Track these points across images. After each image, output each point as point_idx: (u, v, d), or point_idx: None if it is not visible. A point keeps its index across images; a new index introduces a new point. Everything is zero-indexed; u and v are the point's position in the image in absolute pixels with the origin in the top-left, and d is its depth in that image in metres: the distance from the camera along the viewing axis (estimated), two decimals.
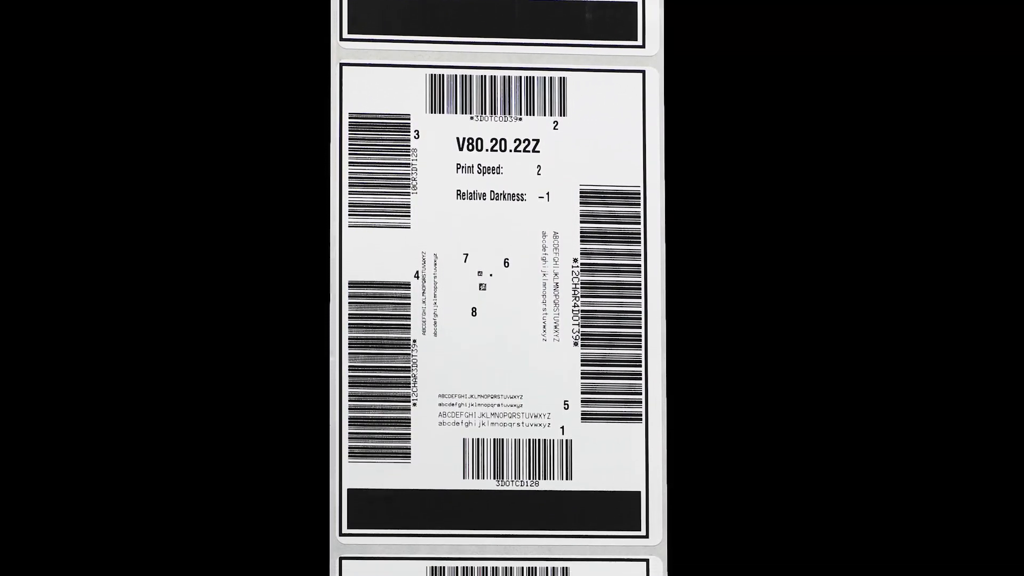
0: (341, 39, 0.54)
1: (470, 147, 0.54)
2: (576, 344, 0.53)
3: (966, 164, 0.56)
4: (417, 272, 0.53)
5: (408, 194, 0.54)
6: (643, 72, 0.54)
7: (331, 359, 0.53)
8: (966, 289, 0.55)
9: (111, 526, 0.52)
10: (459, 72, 0.54)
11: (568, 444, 0.53)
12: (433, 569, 0.52)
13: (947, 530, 0.54)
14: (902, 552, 0.54)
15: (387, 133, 0.54)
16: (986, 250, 0.55)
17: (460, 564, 0.52)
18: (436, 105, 0.54)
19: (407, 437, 0.53)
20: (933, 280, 0.55)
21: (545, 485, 0.52)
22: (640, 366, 0.53)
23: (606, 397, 0.53)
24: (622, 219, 0.54)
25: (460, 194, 0.54)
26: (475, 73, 0.54)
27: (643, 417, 0.53)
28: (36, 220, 0.53)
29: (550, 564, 0.52)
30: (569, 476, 0.53)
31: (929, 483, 0.54)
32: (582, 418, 0.53)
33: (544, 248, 0.54)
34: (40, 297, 0.53)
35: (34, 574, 0.52)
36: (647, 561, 0.52)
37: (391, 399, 0.53)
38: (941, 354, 0.55)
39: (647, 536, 0.53)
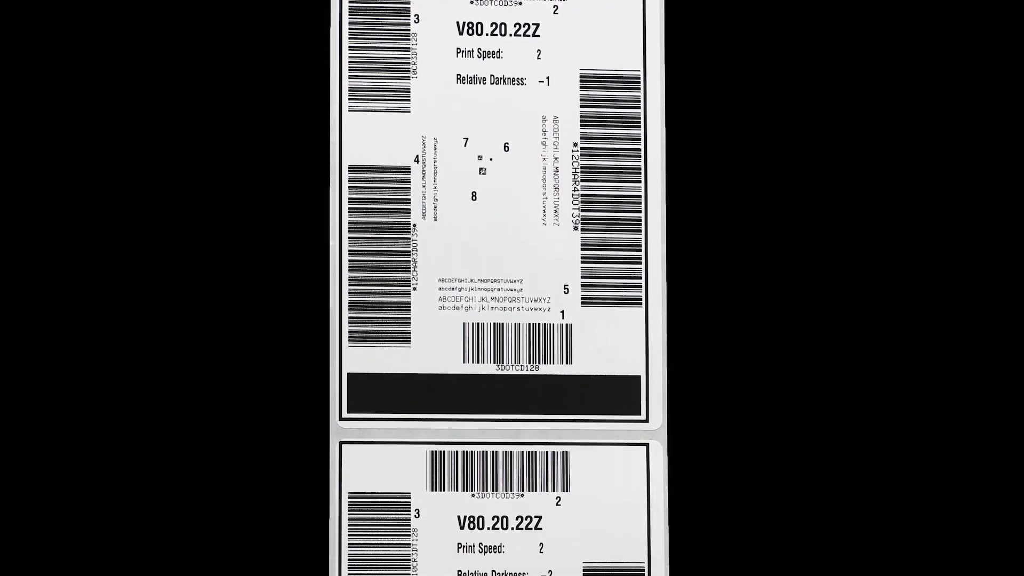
0: None
1: (470, 31, 0.54)
2: (576, 228, 0.53)
3: (966, 161, 0.55)
4: (417, 156, 0.53)
5: (408, 78, 0.53)
6: None
7: (331, 243, 0.52)
8: (967, 276, 0.55)
9: (112, 454, 0.53)
10: None
11: (568, 328, 0.53)
12: (433, 454, 0.52)
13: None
14: (901, 423, 0.54)
15: (387, 17, 0.53)
16: (986, 247, 0.55)
17: (460, 448, 0.52)
18: None
19: (407, 321, 0.52)
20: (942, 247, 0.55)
21: (545, 369, 0.52)
22: (640, 250, 0.53)
23: (606, 281, 0.53)
24: (622, 103, 0.54)
25: (460, 78, 0.54)
26: None
27: (643, 301, 0.53)
28: (35, 220, 0.53)
29: (550, 448, 0.52)
30: (569, 360, 0.53)
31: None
32: (582, 302, 0.53)
33: (544, 132, 0.53)
34: (35, 292, 0.53)
35: (34, 574, 0.52)
36: (647, 445, 0.53)
37: (391, 283, 0.53)
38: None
39: (647, 420, 0.53)
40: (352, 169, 0.53)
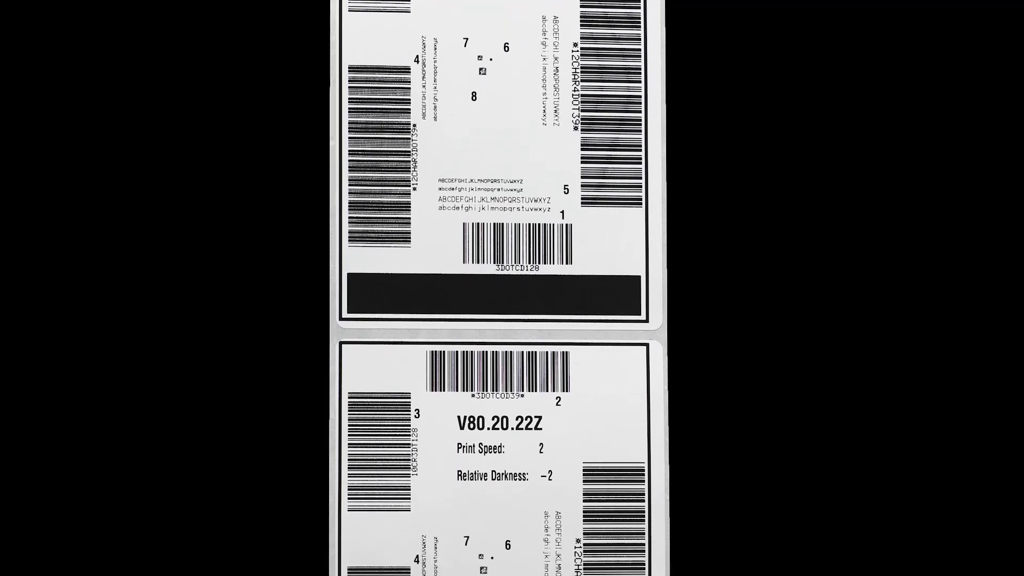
0: None
1: None
2: (576, 128, 0.53)
3: (967, 158, 0.55)
4: (417, 56, 0.53)
5: None
6: None
7: (331, 143, 0.52)
8: (969, 274, 0.55)
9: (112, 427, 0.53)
10: None
11: (568, 228, 0.53)
12: (433, 354, 0.52)
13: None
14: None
15: None
16: (987, 245, 0.55)
17: (460, 348, 0.52)
18: None
19: (407, 221, 0.52)
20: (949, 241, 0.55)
21: (545, 270, 0.52)
22: (640, 150, 0.53)
23: (606, 181, 0.53)
24: (623, 1, 0.53)
25: None
26: None
27: (643, 201, 0.53)
28: (34, 220, 0.53)
29: (550, 349, 0.52)
30: (569, 261, 0.53)
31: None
32: (582, 202, 0.53)
33: (544, 33, 0.53)
34: (34, 292, 0.53)
35: (34, 573, 0.52)
36: (647, 345, 0.53)
37: (391, 183, 0.52)
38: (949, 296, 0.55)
39: (647, 321, 0.53)
40: (352, 69, 0.53)
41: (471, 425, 0.52)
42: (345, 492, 0.51)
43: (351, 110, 0.52)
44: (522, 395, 0.52)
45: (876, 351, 0.54)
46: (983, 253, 0.54)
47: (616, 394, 0.52)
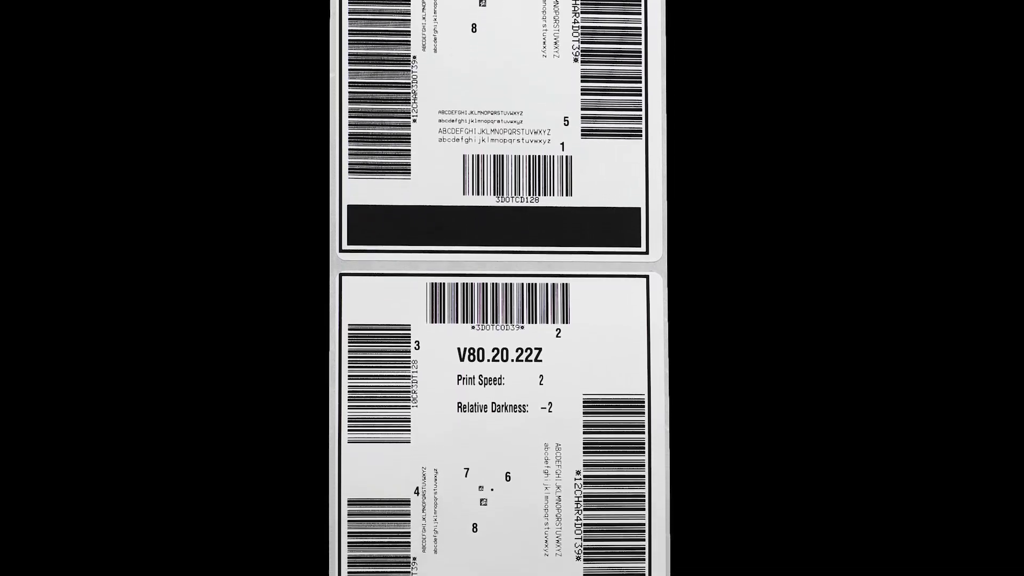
0: None
1: None
2: (576, 60, 0.53)
3: (969, 156, 0.55)
4: None
5: None
6: None
7: (331, 75, 0.52)
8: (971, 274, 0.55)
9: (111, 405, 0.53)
10: None
11: (568, 160, 0.53)
12: (433, 285, 0.52)
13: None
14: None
15: None
16: (988, 244, 0.55)
17: (460, 280, 0.52)
18: None
19: (407, 153, 0.52)
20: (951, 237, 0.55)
21: (545, 201, 0.52)
22: (640, 82, 0.53)
23: (606, 113, 0.53)
24: None
25: None
26: None
27: (643, 133, 0.53)
28: (34, 220, 0.53)
29: (550, 280, 0.52)
30: (569, 192, 0.52)
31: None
32: (582, 134, 0.53)
33: None
34: (33, 293, 0.53)
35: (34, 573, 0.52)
36: (647, 277, 0.52)
37: (391, 115, 0.52)
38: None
39: (647, 252, 0.53)
40: (352, 0, 0.52)
41: (471, 357, 0.52)
42: (345, 424, 0.51)
43: (351, 42, 0.52)
44: (522, 327, 0.52)
45: (876, 280, 0.53)
46: (986, 232, 0.54)
47: (616, 326, 0.52)
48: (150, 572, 0.52)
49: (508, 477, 0.51)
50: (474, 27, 0.52)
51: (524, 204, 0.52)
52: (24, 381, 0.52)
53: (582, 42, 0.53)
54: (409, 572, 0.51)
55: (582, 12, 0.53)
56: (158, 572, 0.52)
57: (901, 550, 0.53)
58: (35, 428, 0.52)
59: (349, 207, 0.52)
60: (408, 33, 0.52)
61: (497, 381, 0.52)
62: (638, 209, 0.52)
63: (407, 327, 0.52)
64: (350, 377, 0.51)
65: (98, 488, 0.52)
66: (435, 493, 0.51)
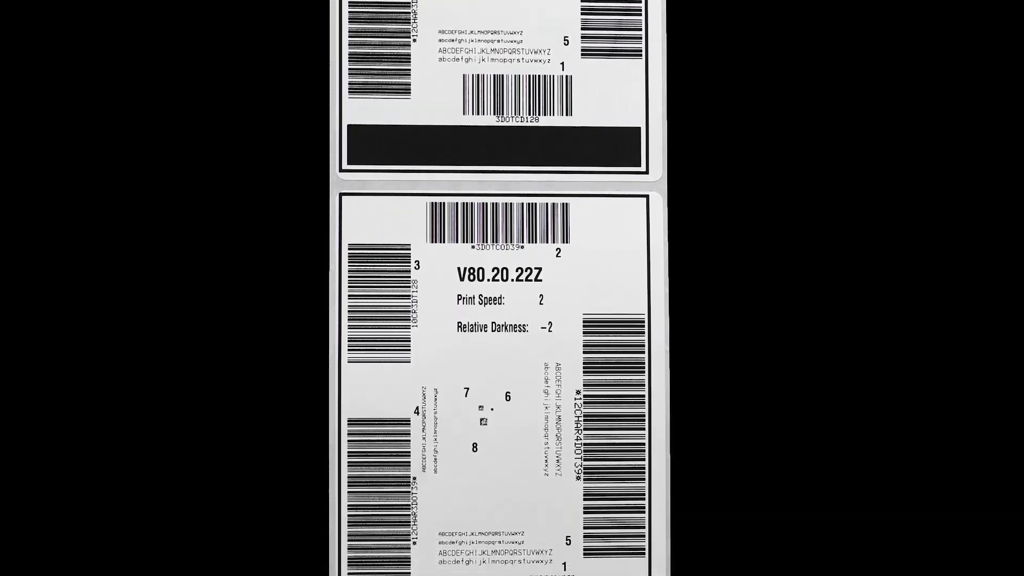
0: None
1: None
2: None
3: (970, 155, 0.54)
4: None
5: None
6: None
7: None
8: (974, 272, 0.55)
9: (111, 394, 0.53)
10: None
11: (568, 80, 0.52)
12: (433, 205, 0.52)
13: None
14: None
15: None
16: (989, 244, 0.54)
17: (460, 200, 0.52)
18: None
19: (407, 73, 0.52)
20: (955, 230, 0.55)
21: (545, 121, 0.52)
22: (640, 1, 0.53)
23: (605, 33, 0.53)
24: None
25: None
26: None
27: (643, 52, 0.53)
28: (33, 220, 0.53)
29: (550, 200, 0.52)
30: (569, 112, 0.52)
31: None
32: (582, 54, 0.53)
33: None
34: (33, 293, 0.52)
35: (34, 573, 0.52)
36: (647, 197, 0.52)
37: (391, 35, 0.52)
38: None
39: (647, 172, 0.52)
40: None
41: (471, 277, 0.52)
42: (345, 344, 0.51)
43: None
44: (522, 247, 0.52)
45: (875, 197, 0.53)
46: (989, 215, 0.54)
47: (616, 246, 0.52)
48: (148, 491, 0.52)
49: (508, 397, 0.51)
50: None
51: (524, 124, 0.52)
52: (19, 373, 0.52)
53: None
54: (409, 492, 0.51)
55: None
56: (156, 492, 0.52)
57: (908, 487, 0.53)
58: (27, 415, 0.52)
59: (349, 127, 0.52)
60: None
61: (497, 301, 0.52)
62: (638, 129, 0.52)
63: (407, 247, 0.52)
64: (350, 297, 0.51)
65: (94, 409, 0.52)
66: (435, 413, 0.51)
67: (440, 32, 0.52)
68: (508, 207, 0.52)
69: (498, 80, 0.52)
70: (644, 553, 0.52)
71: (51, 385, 0.51)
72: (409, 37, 0.52)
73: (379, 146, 0.52)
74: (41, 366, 0.52)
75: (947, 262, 0.53)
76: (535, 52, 0.52)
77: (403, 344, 0.52)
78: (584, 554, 0.51)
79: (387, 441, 0.51)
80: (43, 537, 0.52)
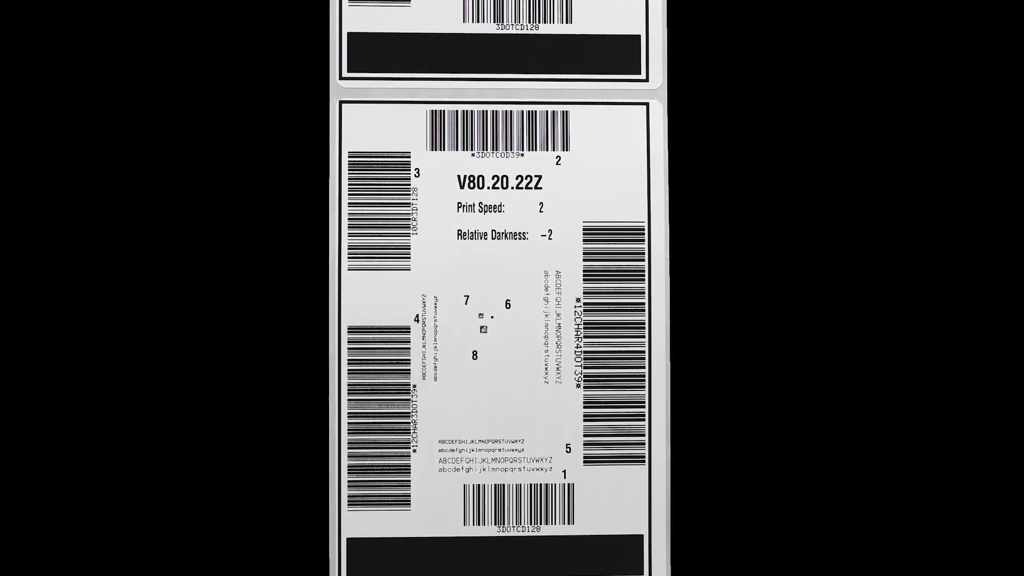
0: None
1: None
2: None
3: (970, 154, 0.54)
4: None
5: None
6: None
7: None
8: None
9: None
10: None
11: None
12: (433, 113, 0.52)
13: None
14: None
15: None
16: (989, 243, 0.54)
17: (460, 108, 0.52)
18: None
19: None
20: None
21: (545, 29, 0.52)
22: None
23: None
24: None
25: None
26: None
27: None
28: (33, 220, 0.52)
29: (550, 108, 0.52)
30: (570, 20, 0.52)
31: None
32: None
33: None
34: (33, 295, 0.52)
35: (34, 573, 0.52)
36: (647, 105, 0.52)
37: None
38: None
39: (647, 80, 0.52)
40: None
41: (471, 184, 0.52)
42: (345, 251, 0.51)
43: None
44: (522, 154, 0.52)
45: (875, 123, 0.53)
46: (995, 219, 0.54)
47: (616, 154, 0.52)
48: (150, 427, 0.52)
49: (508, 305, 0.51)
50: None
51: (524, 32, 0.52)
52: (17, 371, 0.52)
53: None
54: (409, 400, 0.51)
55: None
56: (157, 409, 0.52)
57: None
58: (26, 414, 0.52)
59: (349, 35, 0.52)
60: None
61: (497, 208, 0.52)
62: (638, 36, 0.52)
63: (407, 154, 0.52)
64: (350, 205, 0.51)
65: (94, 396, 0.52)
66: (435, 320, 0.51)
67: None
68: (508, 115, 0.52)
69: None
70: (644, 461, 0.52)
71: (43, 355, 0.51)
72: None
73: (379, 54, 0.52)
74: (31, 342, 0.52)
75: (956, 184, 0.53)
76: None
77: (403, 252, 0.51)
78: (584, 462, 0.51)
79: (387, 349, 0.51)
80: (42, 536, 0.52)
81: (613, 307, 0.52)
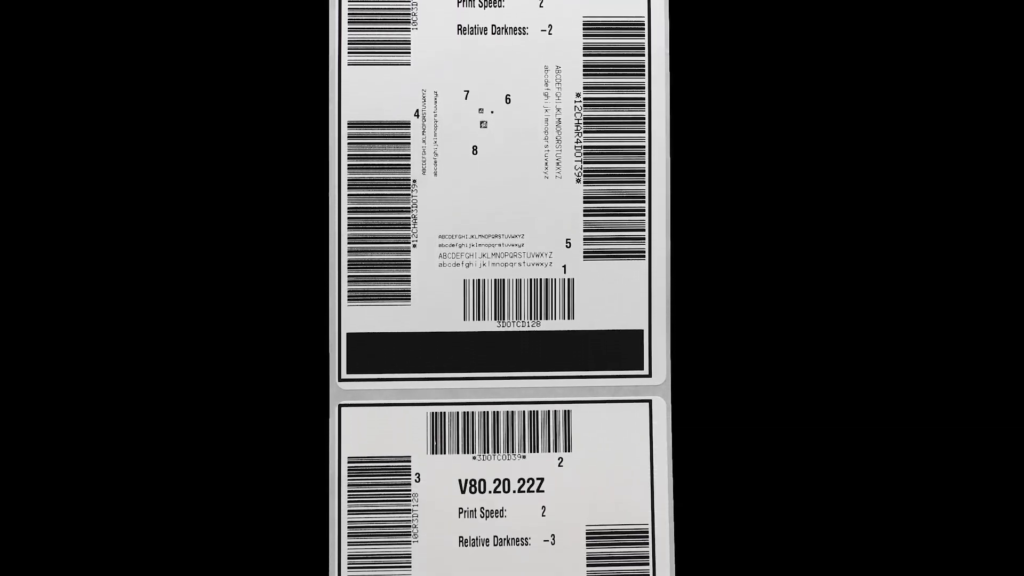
0: None
1: None
2: None
3: (971, 154, 0.55)
4: None
5: None
6: None
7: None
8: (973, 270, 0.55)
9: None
10: None
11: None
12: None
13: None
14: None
15: None
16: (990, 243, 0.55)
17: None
18: None
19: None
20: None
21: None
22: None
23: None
24: None
25: None
26: None
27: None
28: (33, 220, 0.54)
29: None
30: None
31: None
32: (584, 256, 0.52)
33: None
34: (34, 294, 0.53)
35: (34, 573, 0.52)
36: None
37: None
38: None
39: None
40: None
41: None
42: (345, 45, 0.51)
43: None
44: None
45: (881, 395, 0.54)
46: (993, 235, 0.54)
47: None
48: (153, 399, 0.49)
49: (508, 100, 0.50)
50: None
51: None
52: (17, 371, 0.51)
53: None
54: (409, 195, 0.50)
55: None
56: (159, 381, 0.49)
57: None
58: (25, 414, 0.51)
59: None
60: None
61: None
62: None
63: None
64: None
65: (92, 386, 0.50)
66: (435, 115, 0.50)
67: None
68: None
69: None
70: (644, 256, 0.50)
71: (44, 353, 0.50)
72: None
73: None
74: (32, 340, 0.50)
75: (960, 178, 0.53)
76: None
77: (403, 46, 0.50)
78: (584, 257, 0.50)
79: (387, 143, 0.50)
80: (42, 535, 0.50)
81: (613, 102, 0.51)
